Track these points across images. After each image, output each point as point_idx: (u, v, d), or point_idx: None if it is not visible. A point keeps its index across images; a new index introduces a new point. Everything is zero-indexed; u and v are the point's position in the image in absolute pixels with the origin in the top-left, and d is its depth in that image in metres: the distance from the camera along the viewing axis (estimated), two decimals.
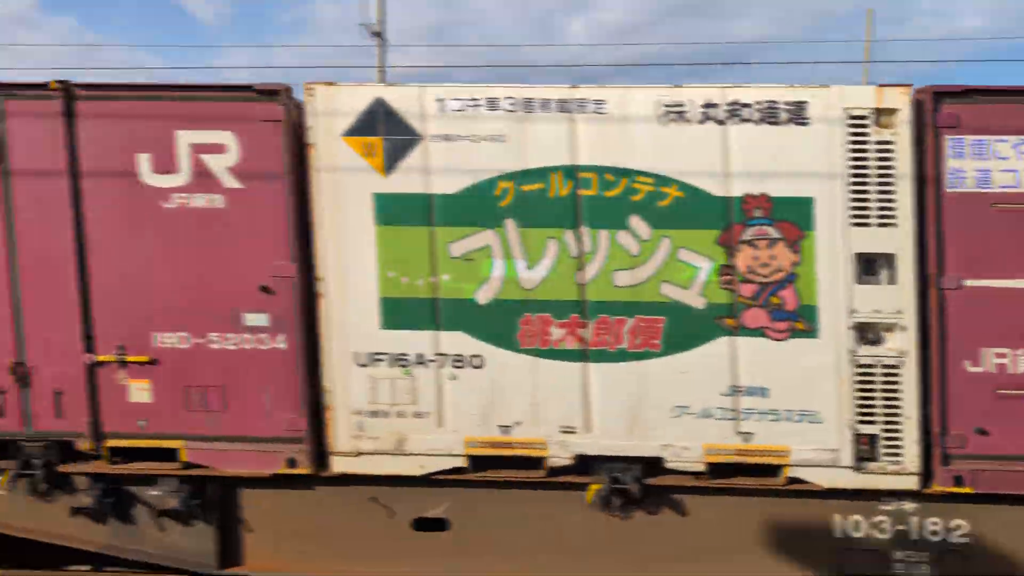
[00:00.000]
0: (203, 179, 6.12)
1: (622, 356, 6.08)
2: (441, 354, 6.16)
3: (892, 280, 5.92)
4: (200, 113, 6.08)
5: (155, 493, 6.56)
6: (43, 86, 6.16)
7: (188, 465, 6.36)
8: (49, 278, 6.21)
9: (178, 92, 6.19)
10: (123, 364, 6.28)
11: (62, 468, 6.49)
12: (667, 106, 5.89)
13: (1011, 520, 6.22)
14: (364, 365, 6.19)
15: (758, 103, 5.84)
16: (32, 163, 6.15)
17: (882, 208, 5.85)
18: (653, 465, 6.21)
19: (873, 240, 5.91)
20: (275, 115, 6.05)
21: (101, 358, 6.28)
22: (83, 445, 6.45)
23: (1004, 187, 5.81)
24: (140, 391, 6.30)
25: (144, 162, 6.12)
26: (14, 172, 6.18)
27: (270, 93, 6.05)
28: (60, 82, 6.18)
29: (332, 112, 6.05)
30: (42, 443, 6.45)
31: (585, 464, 6.24)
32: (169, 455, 6.48)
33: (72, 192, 6.14)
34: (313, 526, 6.62)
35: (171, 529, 6.61)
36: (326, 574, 6.55)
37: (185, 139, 6.09)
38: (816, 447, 6.05)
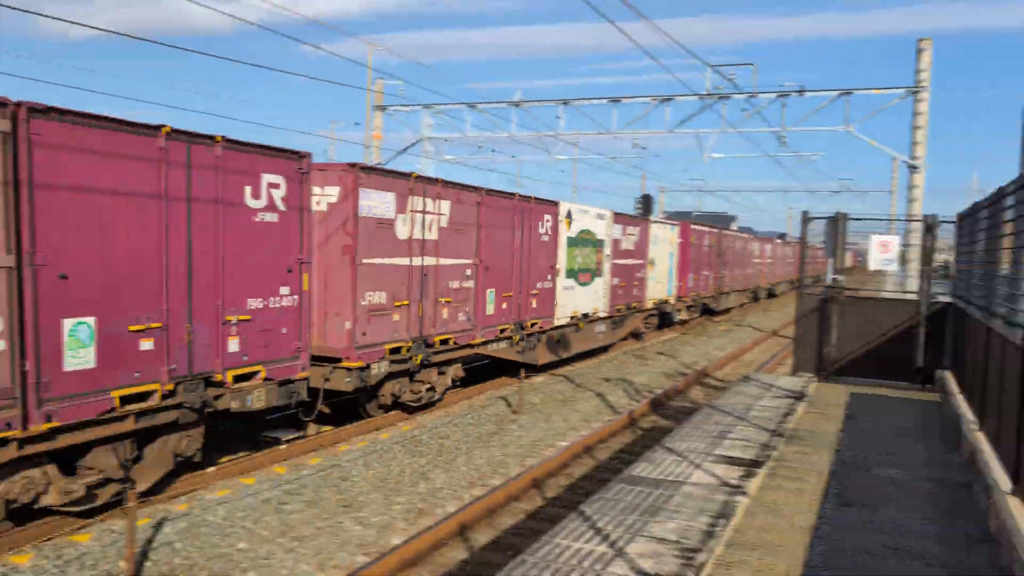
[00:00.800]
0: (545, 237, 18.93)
1: (585, 284, 21.20)
2: (573, 284, 20.13)
3: (606, 260, 23.23)
4: (535, 207, 18.65)
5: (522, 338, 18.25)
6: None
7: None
8: None
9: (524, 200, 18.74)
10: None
11: (527, 331, 17.58)
12: (614, 216, 21.66)
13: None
14: (563, 290, 19.65)
15: (600, 215, 22.21)
16: None
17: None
18: (586, 316, 21.46)
19: (615, 252, 22.53)
20: (558, 213, 18.68)
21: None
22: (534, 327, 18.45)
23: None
24: None
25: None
26: None
27: (553, 203, 19.24)
28: None
29: (566, 213, 19.37)
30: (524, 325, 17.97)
31: (580, 318, 21.00)
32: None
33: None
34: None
35: (529, 351, 17.46)
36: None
37: (550, 220, 18.67)
38: (598, 305, 22.29)
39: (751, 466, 8.34)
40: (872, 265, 14.82)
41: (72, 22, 11.47)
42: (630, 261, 23.43)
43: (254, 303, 9.94)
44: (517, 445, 12.73)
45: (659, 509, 6.81)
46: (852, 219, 14.40)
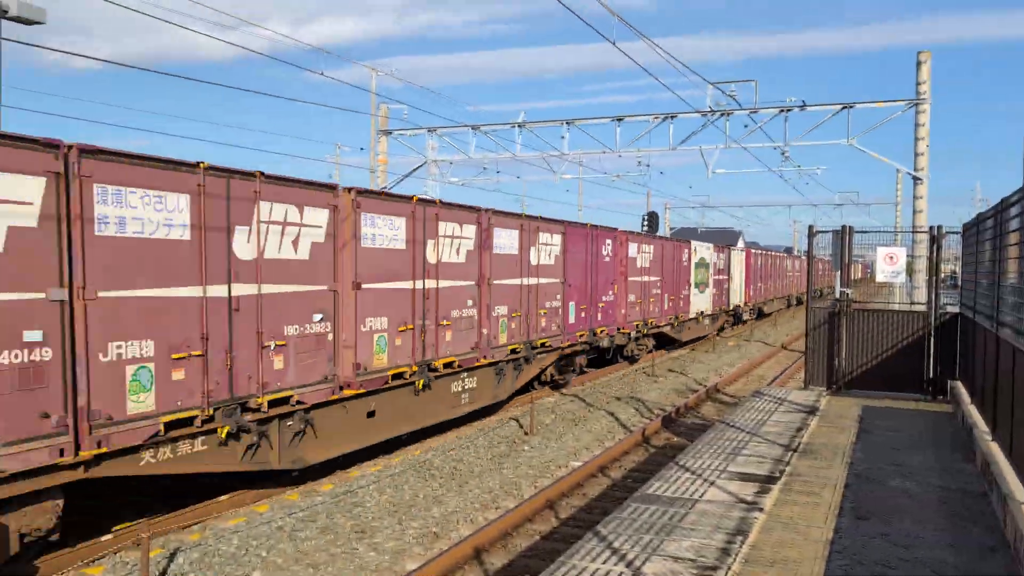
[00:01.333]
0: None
1: (701, 292, 26.27)
2: (696, 293, 25.64)
3: (711, 277, 25.65)
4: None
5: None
6: None
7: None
8: None
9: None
10: None
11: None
12: (715, 247, 23.63)
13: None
14: (693, 296, 23.22)
15: (707, 247, 25.16)
16: None
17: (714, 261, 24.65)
18: (701, 313, 26.53)
19: (714, 271, 26.24)
20: (690, 247, 20.45)
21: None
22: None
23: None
24: None
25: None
26: None
27: (687, 241, 19.64)
28: None
29: (693, 248, 22.30)
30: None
31: (699, 314, 24.96)
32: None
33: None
34: None
35: (678, 332, 24.23)
36: None
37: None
38: (707, 307, 27.06)
39: (766, 482, 6.57)
40: (879, 277, 11.47)
41: (75, 54, 11.68)
42: (721, 277, 28.06)
43: (604, 298, 17.49)
44: (529, 466, 10.56)
45: (675, 527, 5.47)
46: (858, 232, 11.09)
